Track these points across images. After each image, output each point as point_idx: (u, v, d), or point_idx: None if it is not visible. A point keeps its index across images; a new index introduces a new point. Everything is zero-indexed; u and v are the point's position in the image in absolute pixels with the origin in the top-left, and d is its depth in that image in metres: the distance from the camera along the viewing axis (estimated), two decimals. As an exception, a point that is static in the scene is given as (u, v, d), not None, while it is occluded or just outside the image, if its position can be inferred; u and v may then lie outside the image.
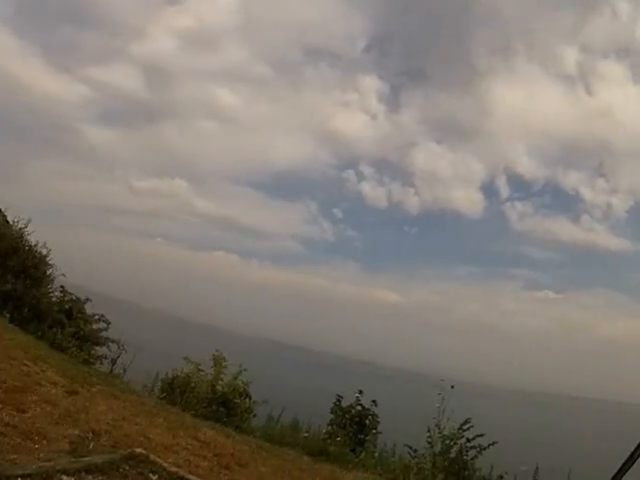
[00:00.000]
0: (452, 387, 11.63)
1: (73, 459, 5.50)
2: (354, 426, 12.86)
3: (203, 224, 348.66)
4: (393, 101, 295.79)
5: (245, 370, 13.43)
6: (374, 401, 13.31)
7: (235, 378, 13.09)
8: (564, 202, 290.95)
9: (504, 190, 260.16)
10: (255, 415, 13.17)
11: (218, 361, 13.51)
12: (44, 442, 5.81)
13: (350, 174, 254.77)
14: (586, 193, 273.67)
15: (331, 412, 13.30)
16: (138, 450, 5.99)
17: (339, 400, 13.39)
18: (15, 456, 5.22)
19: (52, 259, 15.46)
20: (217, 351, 13.70)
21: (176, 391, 12.64)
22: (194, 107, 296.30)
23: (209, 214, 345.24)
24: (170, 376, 13.06)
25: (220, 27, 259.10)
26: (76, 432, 6.50)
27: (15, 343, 9.24)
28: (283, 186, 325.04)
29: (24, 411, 6.55)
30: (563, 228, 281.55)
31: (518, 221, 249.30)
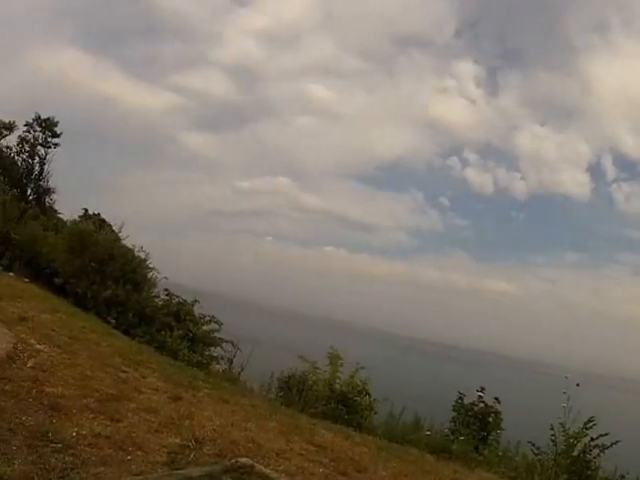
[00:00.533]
0: (577, 385, 10.35)
1: (167, 472, 4.75)
2: (477, 424, 11.79)
3: (310, 220, 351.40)
4: (491, 85, 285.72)
5: (362, 368, 12.58)
6: (497, 398, 12.11)
7: (352, 376, 12.26)
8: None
9: (610, 171, 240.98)
10: (376, 413, 12.26)
11: (334, 359, 12.76)
12: (139, 453, 5.13)
13: (454, 161, 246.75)
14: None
15: (453, 409, 12.31)
16: (243, 460, 5.14)
17: (461, 398, 12.32)
18: (102, 469, 4.56)
19: (152, 262, 15.40)
20: (332, 349, 12.93)
21: (293, 390, 12.04)
22: (288, 104, 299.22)
23: (316, 209, 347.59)
24: (286, 375, 12.48)
25: (299, 23, 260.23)
26: (177, 441, 5.80)
27: (113, 349, 8.78)
28: (387, 177, 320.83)
29: (119, 420, 5.92)
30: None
31: (625, 203, 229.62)
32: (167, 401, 7.03)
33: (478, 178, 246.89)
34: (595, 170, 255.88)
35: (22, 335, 7.99)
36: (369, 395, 12.34)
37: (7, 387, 6.12)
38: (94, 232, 15.23)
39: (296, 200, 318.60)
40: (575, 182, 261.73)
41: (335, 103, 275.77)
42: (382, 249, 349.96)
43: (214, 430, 6.38)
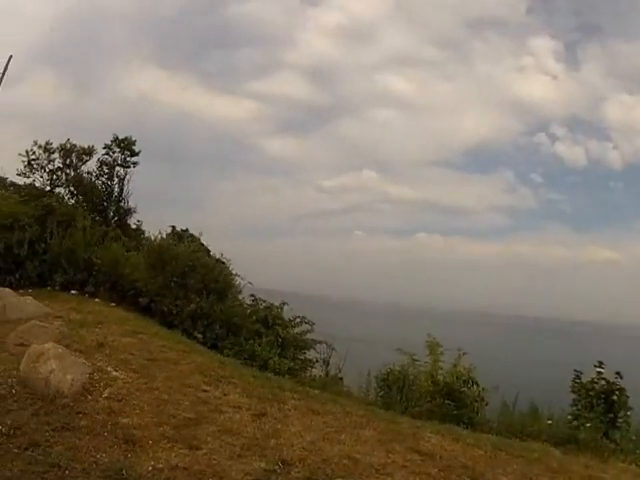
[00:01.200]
0: None
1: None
2: (602, 405, 10.44)
3: (399, 210, 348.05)
4: (571, 59, 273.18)
5: (464, 354, 11.55)
6: (618, 373, 10.70)
7: (455, 365, 11.25)
8: None
9: None
10: (487, 404, 11.18)
11: (433, 348, 11.79)
12: (218, 484, 4.53)
13: (542, 137, 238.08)
14: None
15: (572, 391, 11.03)
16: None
17: (578, 376, 11.06)
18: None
19: (236, 268, 15.01)
20: (430, 336, 11.96)
21: (393, 388, 11.20)
22: (367, 99, 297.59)
23: (403, 199, 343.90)
24: (383, 372, 11.65)
25: (371, 17, 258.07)
26: (262, 465, 5.17)
27: (193, 367, 8.26)
28: (474, 161, 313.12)
29: (198, 447, 5.36)
30: None
31: None
32: (250, 419, 6.40)
33: (568, 152, 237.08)
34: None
35: (99, 363, 7.61)
36: (476, 384, 11.30)
37: (82, 422, 5.74)
38: (172, 245, 15.00)
39: (383, 192, 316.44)
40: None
41: (414, 93, 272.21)
42: (476, 231, 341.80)
43: (303, 448, 5.71)
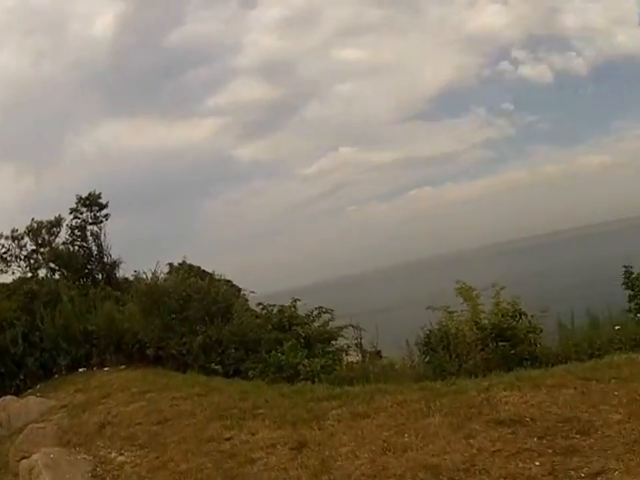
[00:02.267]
0: None
1: None
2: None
3: (385, 175, 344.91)
4: None
5: (502, 288, 10.36)
6: None
7: (497, 303, 10.05)
8: None
9: None
10: (541, 331, 9.98)
11: (466, 293, 10.61)
12: None
13: (505, 65, 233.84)
14: None
15: (626, 287, 10.36)
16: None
17: (629, 271, 10.43)
18: None
19: (236, 280, 14.02)
20: (458, 283, 10.76)
21: (439, 350, 9.98)
22: (326, 78, 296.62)
23: (386, 163, 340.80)
24: (423, 336, 10.45)
25: (309, 1, 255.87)
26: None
27: (211, 412, 6.96)
28: (444, 106, 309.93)
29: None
30: None
31: None
32: (289, 456, 5.13)
33: (534, 71, 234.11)
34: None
35: (101, 451, 6.42)
36: (524, 315, 10.09)
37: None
38: (161, 281, 13.80)
39: (366, 162, 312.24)
40: (634, 39, 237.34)
41: (370, 59, 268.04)
42: (464, 172, 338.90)
43: (363, 474, 4.44)
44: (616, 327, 9.30)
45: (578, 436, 4.50)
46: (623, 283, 10.43)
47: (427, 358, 10.23)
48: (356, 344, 12.59)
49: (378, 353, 12.36)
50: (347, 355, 12.49)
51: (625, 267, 10.39)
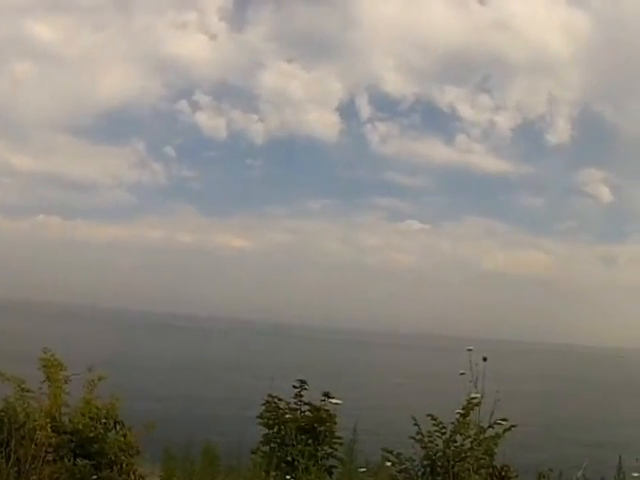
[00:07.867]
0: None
1: None
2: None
3: (22, 185, 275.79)
4: (237, 18, 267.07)
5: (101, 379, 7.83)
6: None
7: (89, 401, 7.48)
8: (437, 121, 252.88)
9: (365, 110, 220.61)
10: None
11: (51, 369, 7.79)
12: None
13: (183, 105, 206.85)
14: (464, 110, 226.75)
15: None
16: None
17: None
18: None
19: None
20: (44, 351, 7.94)
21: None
22: (8, 49, 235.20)
23: (28, 172, 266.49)
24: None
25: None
26: None
27: None
28: (107, 128, 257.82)
29: None
30: (434, 150, 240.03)
31: (381, 144, 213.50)
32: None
33: (210, 122, 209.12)
34: (347, 110, 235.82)
35: None
36: (120, 424, 7.72)
37: None
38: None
39: (6, 162, 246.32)
40: (323, 123, 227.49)
41: (60, 44, 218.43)
42: (101, 212, 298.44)
43: None
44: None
45: None
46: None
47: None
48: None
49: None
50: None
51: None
